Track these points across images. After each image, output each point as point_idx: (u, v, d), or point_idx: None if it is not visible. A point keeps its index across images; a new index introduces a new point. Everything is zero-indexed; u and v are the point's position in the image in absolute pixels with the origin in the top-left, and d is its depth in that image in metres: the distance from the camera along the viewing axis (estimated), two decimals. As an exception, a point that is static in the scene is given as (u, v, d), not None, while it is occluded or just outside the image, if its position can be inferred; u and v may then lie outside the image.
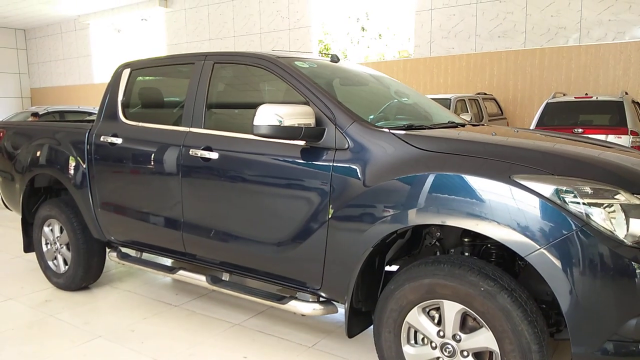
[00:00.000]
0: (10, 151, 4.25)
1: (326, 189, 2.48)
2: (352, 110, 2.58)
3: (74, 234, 3.82)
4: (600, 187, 1.94)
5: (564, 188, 1.93)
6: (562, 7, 11.58)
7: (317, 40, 15.75)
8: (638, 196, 1.95)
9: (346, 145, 2.47)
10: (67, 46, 21.39)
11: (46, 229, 4.08)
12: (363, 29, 17.15)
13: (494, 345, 2.07)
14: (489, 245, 2.42)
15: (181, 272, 3.25)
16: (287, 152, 2.65)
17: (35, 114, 11.51)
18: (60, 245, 3.99)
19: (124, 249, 3.75)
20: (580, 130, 7.15)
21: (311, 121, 2.52)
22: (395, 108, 3.38)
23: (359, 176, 2.39)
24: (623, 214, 1.91)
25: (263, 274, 2.85)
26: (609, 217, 1.90)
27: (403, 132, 2.45)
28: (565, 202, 1.91)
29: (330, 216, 2.46)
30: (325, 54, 3.55)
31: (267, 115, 2.44)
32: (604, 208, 1.90)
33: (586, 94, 8.43)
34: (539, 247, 1.92)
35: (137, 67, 3.58)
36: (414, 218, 2.18)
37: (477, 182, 2.04)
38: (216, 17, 17.04)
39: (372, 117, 2.88)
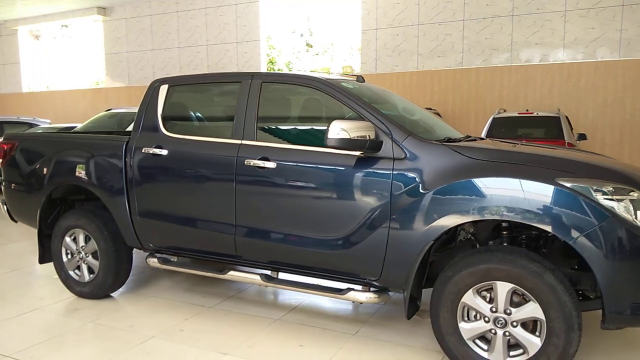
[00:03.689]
0: (27, 163, 4.27)
1: (387, 193, 2.91)
2: (404, 126, 3.04)
3: (105, 242, 3.94)
4: (619, 187, 2.53)
5: (596, 187, 2.50)
6: (495, 30, 12.80)
7: (265, 54, 16.12)
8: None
9: (403, 156, 2.92)
10: (-10, 52, 20.14)
11: (68, 239, 4.15)
12: (308, 44, 17.77)
13: (540, 315, 2.59)
14: (522, 237, 2.96)
15: (232, 272, 3.52)
16: (344, 161, 3.05)
17: None
18: (86, 254, 4.08)
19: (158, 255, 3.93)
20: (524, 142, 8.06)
21: (372, 134, 2.94)
22: (411, 123, 3.87)
23: (418, 182, 2.84)
24: (632, 206, 2.51)
25: (319, 270, 3.22)
26: (627, 209, 2.49)
27: (453, 144, 2.94)
28: (597, 198, 2.48)
29: (391, 216, 2.89)
30: (351, 74, 3.97)
31: (338, 130, 2.83)
32: (622, 202, 2.50)
33: (527, 110, 9.48)
34: (580, 233, 2.47)
35: (176, 83, 3.81)
36: (474, 215, 2.67)
37: (529, 185, 2.57)
38: (160, 28, 16.90)
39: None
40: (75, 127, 10.69)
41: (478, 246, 3.06)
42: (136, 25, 17.27)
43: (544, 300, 2.56)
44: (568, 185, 2.52)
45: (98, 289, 4.04)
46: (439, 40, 13.44)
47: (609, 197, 2.49)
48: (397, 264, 2.92)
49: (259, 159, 3.28)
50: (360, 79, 3.83)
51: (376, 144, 2.95)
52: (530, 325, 2.68)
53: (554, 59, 12.31)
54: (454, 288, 2.77)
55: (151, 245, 3.83)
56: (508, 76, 12.79)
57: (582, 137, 8.93)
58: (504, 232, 2.93)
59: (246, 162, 3.31)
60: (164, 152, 3.64)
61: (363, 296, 3.11)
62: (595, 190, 2.50)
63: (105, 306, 3.98)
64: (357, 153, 3.02)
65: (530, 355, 2.64)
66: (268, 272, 3.48)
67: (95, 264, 4.04)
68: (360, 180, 2.99)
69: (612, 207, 2.47)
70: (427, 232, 2.79)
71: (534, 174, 2.61)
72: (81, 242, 4.10)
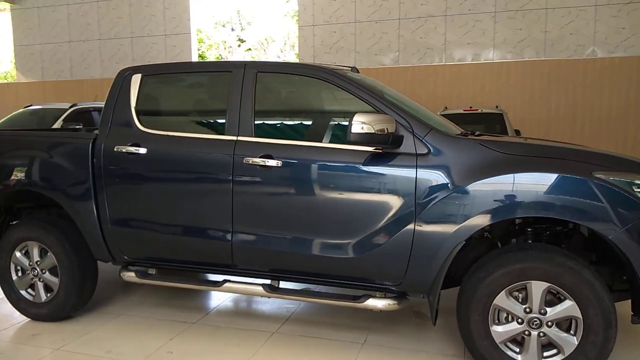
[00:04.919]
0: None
1: (411, 192, 2.71)
2: (424, 120, 2.85)
3: (66, 256, 3.41)
4: (649, 179, 2.51)
5: (633, 180, 2.46)
6: (429, 30, 13.09)
7: (197, 47, 15.42)
8: None
9: (426, 151, 2.74)
10: None
11: (18, 254, 3.56)
12: (240, 39, 17.21)
13: (577, 313, 2.51)
14: (546, 233, 2.88)
15: (227, 284, 3.15)
16: (359, 158, 2.80)
17: None
18: (42, 270, 3.52)
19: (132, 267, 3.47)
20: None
21: (392, 128, 2.71)
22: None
23: (446, 178, 2.67)
24: None
25: (331, 277, 2.95)
26: None
27: (478, 138, 2.80)
28: (636, 191, 2.44)
29: (417, 217, 2.69)
30: (344, 66, 3.71)
31: (361, 124, 2.59)
32: None
33: (471, 107, 9.72)
34: (620, 228, 2.41)
35: (151, 73, 3.36)
36: (510, 213, 2.54)
37: (568, 180, 2.47)
38: (78, 18, 15.63)
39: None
40: (-12, 125, 9.52)
41: (500, 244, 2.93)
42: (51, 15, 15.86)
43: (582, 297, 2.49)
44: (608, 179, 2.45)
45: (59, 310, 3.49)
46: (375, 39, 13.52)
47: (645, 190, 2.46)
48: (422, 267, 2.73)
49: (260, 157, 2.95)
50: (354, 69, 3.61)
51: (398, 139, 2.74)
52: (563, 325, 2.60)
53: (485, 58, 12.80)
54: (486, 290, 2.63)
55: (126, 257, 3.36)
56: (442, 75, 13.12)
57: (517, 132, 9.29)
58: (528, 229, 2.83)
59: (245, 160, 2.97)
60: (143, 150, 3.19)
61: (381, 303, 2.89)
62: (634, 184, 2.46)
63: (69, 329, 3.45)
64: (371, 149, 2.79)
65: (567, 354, 2.56)
66: (268, 282, 3.16)
67: (54, 281, 3.49)
68: (381, 178, 2.77)
69: (649, 200, 2.44)
70: (457, 232, 2.62)
71: (571, 168, 2.52)
72: (36, 257, 3.53)
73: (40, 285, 3.54)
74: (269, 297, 3.15)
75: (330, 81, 2.98)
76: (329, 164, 2.87)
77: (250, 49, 17.11)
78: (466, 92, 12.82)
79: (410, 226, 2.71)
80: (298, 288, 3.17)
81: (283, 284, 3.20)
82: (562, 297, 2.56)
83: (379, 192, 2.77)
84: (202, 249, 3.15)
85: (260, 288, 3.08)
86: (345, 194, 2.84)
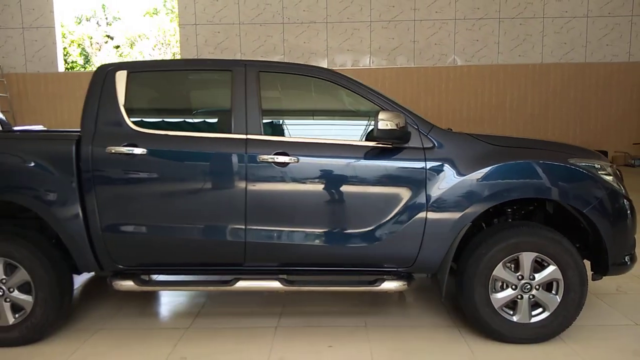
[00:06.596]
0: None
1: (422, 182, 3.03)
2: (425, 118, 3.19)
3: (44, 271, 3.09)
4: (603, 162, 3.17)
5: (594, 165, 3.08)
6: (312, 35, 13.66)
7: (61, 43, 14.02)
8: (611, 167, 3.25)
9: (431, 145, 3.08)
10: None
11: (-23, 273, 3.12)
12: (108, 35, 15.98)
13: (559, 275, 3.06)
14: (520, 212, 3.40)
15: (241, 282, 3.15)
16: (368, 153, 3.06)
17: None
18: (10, 289, 3.13)
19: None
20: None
21: (403, 123, 2.99)
22: None
23: (452, 169, 3.04)
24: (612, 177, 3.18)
25: (346, 265, 3.14)
26: (613, 180, 3.13)
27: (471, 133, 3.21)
28: (599, 174, 3.06)
29: (428, 204, 3.02)
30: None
31: (385, 122, 2.85)
32: (610, 175, 3.13)
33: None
34: (592, 203, 3.01)
35: (137, 70, 3.20)
36: (509, 195, 3.00)
37: (551, 166, 3.01)
38: None
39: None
40: None
41: (484, 225, 3.40)
42: None
43: (563, 262, 3.04)
44: (580, 164, 3.04)
45: (34, 331, 3.14)
46: (260, 41, 13.67)
47: (604, 171, 3.09)
48: (433, 250, 3.06)
49: (275, 154, 3.03)
50: (330, 71, 3.81)
51: (409, 135, 3.04)
52: (545, 287, 3.14)
53: (363, 64, 13.76)
54: (488, 263, 3.05)
55: (120, 265, 3.16)
56: (325, 78, 13.69)
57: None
58: (508, 210, 3.34)
59: (260, 158, 3.02)
60: (140, 151, 3.04)
61: (394, 285, 3.16)
62: (597, 167, 3.07)
63: (49, 351, 3.12)
64: (372, 144, 3.07)
65: (551, 311, 3.09)
66: (281, 277, 3.23)
67: (25, 299, 3.13)
68: (395, 170, 3.05)
69: (608, 180, 3.08)
70: (464, 215, 3.01)
71: (551, 157, 3.06)
72: (0, 275, 3.12)
73: (6, 306, 3.14)
74: (284, 292, 3.23)
75: (336, 82, 3.18)
76: (341, 159, 3.06)
77: (119, 46, 16.02)
78: (347, 95, 13.62)
79: (423, 213, 3.03)
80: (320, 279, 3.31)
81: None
82: (545, 264, 3.09)
83: (394, 183, 3.05)
84: (211, 250, 3.11)
85: (277, 283, 3.14)
86: (361, 187, 3.06)
